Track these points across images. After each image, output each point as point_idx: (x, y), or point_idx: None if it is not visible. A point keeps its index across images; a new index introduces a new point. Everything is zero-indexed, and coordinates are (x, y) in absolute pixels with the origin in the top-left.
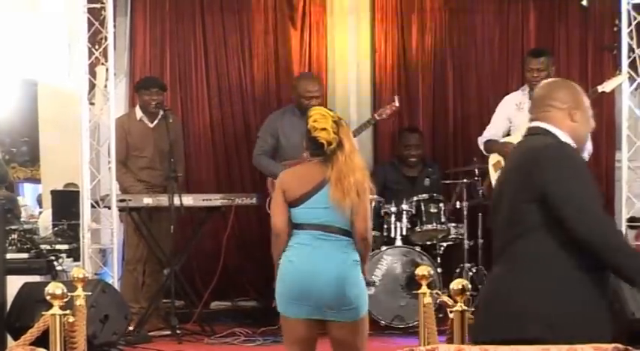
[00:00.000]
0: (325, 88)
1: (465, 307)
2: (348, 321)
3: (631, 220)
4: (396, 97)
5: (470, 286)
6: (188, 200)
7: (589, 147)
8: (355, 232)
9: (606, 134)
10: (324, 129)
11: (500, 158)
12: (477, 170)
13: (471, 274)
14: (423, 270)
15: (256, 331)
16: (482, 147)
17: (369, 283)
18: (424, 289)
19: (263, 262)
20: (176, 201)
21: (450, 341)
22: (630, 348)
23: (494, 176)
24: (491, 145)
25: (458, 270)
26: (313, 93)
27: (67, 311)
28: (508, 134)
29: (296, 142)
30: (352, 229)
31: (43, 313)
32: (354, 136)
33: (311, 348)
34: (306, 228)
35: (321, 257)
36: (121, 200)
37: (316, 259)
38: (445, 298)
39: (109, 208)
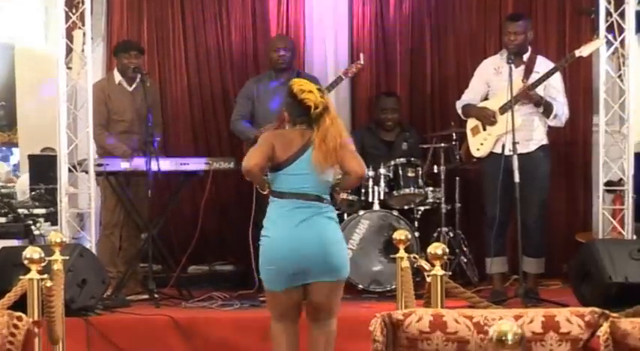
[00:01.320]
0: (303, 54)
1: (443, 272)
2: (328, 281)
3: (608, 184)
4: (361, 55)
5: (447, 250)
6: (165, 165)
7: (566, 111)
8: (351, 174)
9: (583, 98)
10: (311, 92)
11: (478, 123)
12: (454, 134)
13: (448, 238)
14: (401, 234)
15: (233, 294)
16: (460, 111)
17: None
18: (402, 253)
19: (240, 226)
20: (153, 165)
21: (428, 305)
22: (607, 312)
23: (472, 141)
24: (469, 110)
25: (435, 234)
26: (280, 45)
27: (45, 275)
28: (486, 99)
29: (271, 108)
30: (343, 179)
31: (21, 277)
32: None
33: (297, 316)
34: (286, 196)
35: (301, 226)
36: (99, 165)
37: (296, 230)
38: (422, 262)
39: (87, 172)
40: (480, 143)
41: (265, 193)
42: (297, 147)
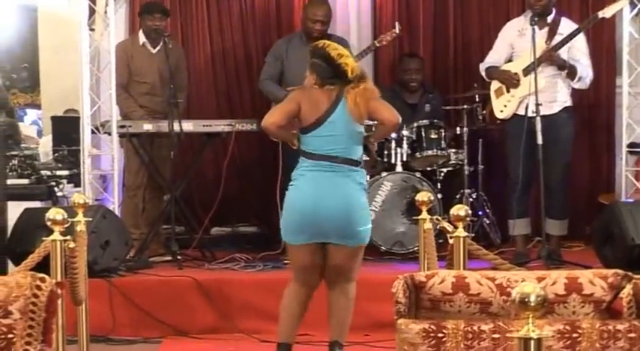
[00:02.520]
0: None
1: (465, 233)
2: (348, 245)
3: (631, 145)
4: (397, 24)
5: (470, 211)
6: (188, 126)
7: (590, 73)
8: (385, 123)
9: (607, 60)
10: (348, 57)
11: (502, 85)
12: (477, 96)
13: (470, 200)
14: (424, 196)
15: (256, 256)
16: (483, 73)
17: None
18: (424, 214)
19: (263, 188)
20: (176, 127)
21: (450, 267)
22: (630, 273)
23: (495, 102)
24: (493, 72)
25: (458, 196)
26: (319, 17)
27: (68, 237)
28: (510, 60)
29: (299, 69)
30: (377, 128)
31: (44, 238)
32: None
33: (316, 281)
34: (316, 158)
35: (328, 185)
36: (122, 126)
37: (323, 186)
38: (445, 224)
39: (110, 134)
40: (504, 105)
41: (295, 148)
42: (325, 107)
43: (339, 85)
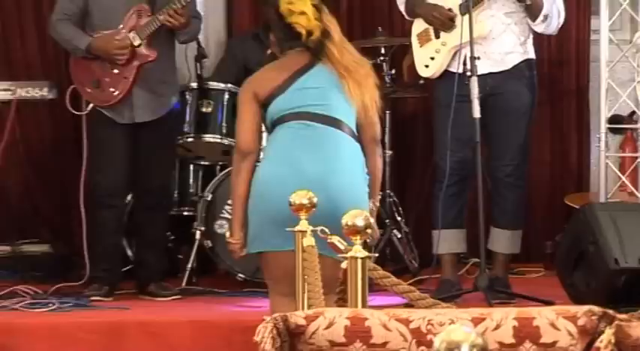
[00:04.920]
0: None
1: (365, 253)
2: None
3: (613, 120)
4: None
5: (372, 220)
6: None
7: (562, 10)
8: (364, 134)
9: None
10: (302, 13)
11: (429, 27)
12: (383, 48)
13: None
14: (301, 196)
15: (48, 288)
16: (402, 7)
17: None
18: (303, 224)
19: (59, 184)
20: None
21: (343, 303)
22: (611, 312)
23: (418, 53)
24: (416, 6)
25: None
26: None
27: None
28: None
29: (111, 6)
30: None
31: None
32: None
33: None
34: (291, 119)
35: (310, 163)
36: None
37: (304, 166)
38: (334, 239)
39: None
40: (430, 57)
41: None
42: (301, 65)
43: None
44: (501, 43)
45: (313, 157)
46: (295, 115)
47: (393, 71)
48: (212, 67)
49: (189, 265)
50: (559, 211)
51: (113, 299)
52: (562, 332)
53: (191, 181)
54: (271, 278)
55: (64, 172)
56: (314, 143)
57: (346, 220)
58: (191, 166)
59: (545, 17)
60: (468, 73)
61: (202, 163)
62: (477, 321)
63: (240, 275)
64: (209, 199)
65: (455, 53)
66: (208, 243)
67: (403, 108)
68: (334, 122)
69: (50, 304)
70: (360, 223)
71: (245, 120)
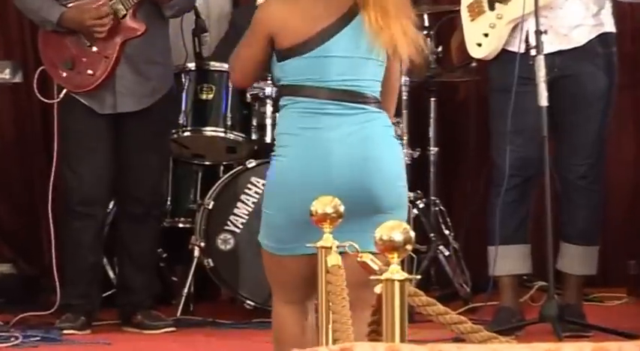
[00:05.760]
0: None
1: (404, 274)
2: None
3: None
4: None
5: (413, 234)
6: None
7: None
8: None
9: None
10: None
11: None
12: (427, 19)
13: (415, 211)
14: (324, 203)
15: (11, 318)
16: None
17: None
18: (327, 238)
19: (23, 189)
20: None
21: (377, 337)
22: None
23: (469, 28)
24: None
25: None
26: None
27: None
28: None
29: None
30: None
31: None
32: None
33: (310, 293)
34: (308, 93)
35: (339, 146)
36: None
37: (332, 150)
38: (366, 257)
39: None
40: (484, 33)
41: None
42: (335, 16)
43: None
44: (567, 15)
45: (340, 146)
46: (310, 90)
47: (440, 49)
48: (214, 43)
49: (186, 290)
50: None
51: (91, 332)
52: None
53: (188, 185)
54: (277, 283)
55: (30, 173)
56: (340, 127)
57: (381, 233)
58: (188, 167)
59: None
60: (533, 52)
61: (202, 162)
62: None
63: (248, 302)
64: (210, 207)
65: (514, 28)
66: (209, 262)
67: (452, 94)
68: (362, 99)
69: (13, 338)
70: (398, 237)
71: (248, 58)
